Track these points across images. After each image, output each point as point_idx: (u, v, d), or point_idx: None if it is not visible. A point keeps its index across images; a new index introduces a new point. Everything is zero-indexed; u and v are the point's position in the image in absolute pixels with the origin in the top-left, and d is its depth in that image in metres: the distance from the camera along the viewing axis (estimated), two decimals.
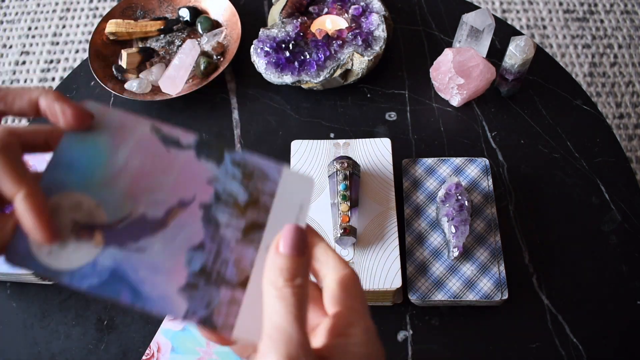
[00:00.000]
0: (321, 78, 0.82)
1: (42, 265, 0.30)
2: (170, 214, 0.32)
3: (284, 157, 0.76)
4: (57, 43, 1.70)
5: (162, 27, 0.92)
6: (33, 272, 0.37)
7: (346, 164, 0.68)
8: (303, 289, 0.29)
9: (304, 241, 0.30)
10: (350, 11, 0.87)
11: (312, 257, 0.32)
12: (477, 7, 0.88)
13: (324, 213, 0.69)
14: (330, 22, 0.87)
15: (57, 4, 1.79)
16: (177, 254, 0.31)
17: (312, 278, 0.32)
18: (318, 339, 0.30)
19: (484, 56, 0.84)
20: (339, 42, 0.83)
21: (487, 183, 0.73)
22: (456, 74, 0.78)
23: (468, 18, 0.80)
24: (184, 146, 0.34)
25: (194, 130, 0.84)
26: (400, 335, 0.66)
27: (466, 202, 0.68)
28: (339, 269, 0.31)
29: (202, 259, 0.31)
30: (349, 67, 0.83)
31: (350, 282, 0.31)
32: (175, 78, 0.84)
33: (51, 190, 0.31)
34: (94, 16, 1.76)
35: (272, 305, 0.28)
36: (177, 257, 0.31)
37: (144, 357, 0.66)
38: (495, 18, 0.84)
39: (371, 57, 0.82)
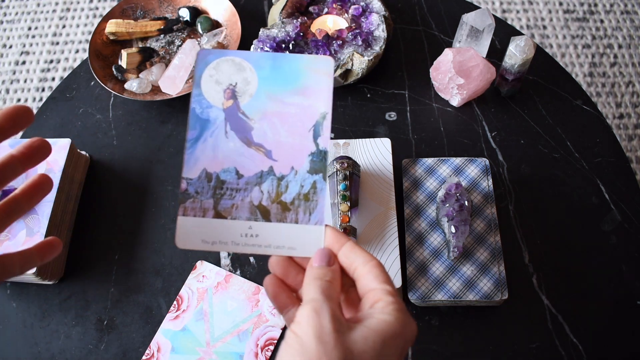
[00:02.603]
0: None
1: None
2: None
3: None
4: (57, 43, 1.70)
5: (162, 27, 0.92)
6: None
7: (346, 164, 0.68)
8: (331, 283, 0.37)
9: (330, 256, 0.38)
10: (350, 11, 0.87)
11: (340, 255, 0.39)
12: (477, 7, 0.88)
13: None
14: (330, 22, 0.87)
15: (57, 4, 1.79)
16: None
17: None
18: (353, 313, 0.38)
19: (484, 56, 0.84)
20: (339, 42, 0.83)
21: (487, 183, 0.73)
22: (456, 74, 0.78)
23: (468, 18, 0.80)
24: None
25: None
26: None
27: (466, 202, 0.68)
28: (366, 261, 0.37)
29: None
30: (349, 67, 0.83)
31: (376, 269, 0.37)
32: (175, 78, 0.84)
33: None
34: (94, 16, 1.76)
35: (307, 289, 0.36)
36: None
37: (144, 357, 0.66)
38: (495, 18, 0.84)
39: (371, 57, 0.82)
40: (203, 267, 0.71)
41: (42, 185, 0.40)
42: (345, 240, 0.39)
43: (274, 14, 0.89)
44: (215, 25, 0.92)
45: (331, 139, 0.78)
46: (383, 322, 0.34)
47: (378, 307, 0.35)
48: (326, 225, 0.40)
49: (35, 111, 1.56)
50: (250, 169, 0.41)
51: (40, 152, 0.38)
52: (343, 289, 0.39)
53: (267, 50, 0.83)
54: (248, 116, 0.41)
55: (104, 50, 0.90)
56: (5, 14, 1.78)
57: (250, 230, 0.40)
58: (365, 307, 0.36)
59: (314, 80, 0.42)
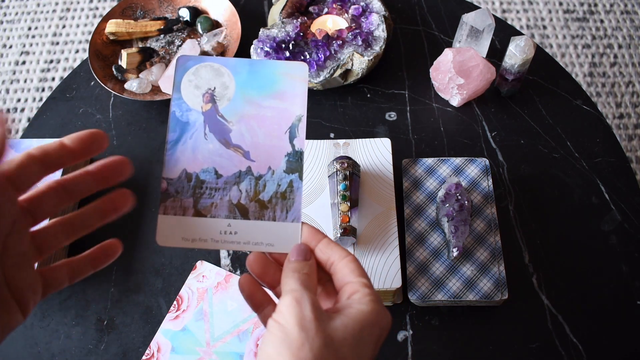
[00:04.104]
0: (321, 78, 0.82)
1: None
2: None
3: None
4: (57, 43, 1.70)
5: (162, 27, 0.92)
6: None
7: (346, 164, 0.68)
8: (309, 275, 0.38)
9: (307, 251, 0.40)
10: (350, 11, 0.87)
11: (317, 251, 0.40)
12: (477, 7, 0.88)
13: (324, 213, 0.69)
14: (330, 22, 0.87)
15: (57, 4, 1.79)
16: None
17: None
18: (329, 305, 0.39)
19: (484, 56, 0.84)
20: (339, 42, 0.83)
21: (487, 183, 0.73)
22: (456, 74, 0.78)
23: (468, 18, 0.80)
24: None
25: None
26: (400, 335, 0.66)
27: (466, 202, 0.68)
28: (342, 256, 0.39)
29: None
30: (349, 67, 0.83)
31: (352, 263, 0.39)
32: None
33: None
34: (94, 16, 1.76)
35: (286, 281, 0.38)
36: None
37: (144, 357, 0.66)
38: (495, 18, 0.84)
39: (371, 57, 0.82)
40: (203, 267, 0.71)
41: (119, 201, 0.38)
42: (321, 237, 0.41)
43: (274, 14, 0.89)
44: (215, 25, 0.92)
45: (331, 138, 0.79)
46: (361, 312, 0.36)
47: (355, 298, 0.37)
48: (303, 223, 0.41)
49: (35, 111, 1.56)
50: (229, 169, 0.43)
51: (118, 172, 0.37)
52: (319, 282, 0.41)
53: (267, 50, 0.83)
54: (226, 119, 0.43)
55: (104, 50, 0.90)
56: (5, 14, 1.78)
57: (229, 228, 0.42)
58: (343, 298, 0.38)
59: (290, 85, 0.44)
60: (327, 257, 0.40)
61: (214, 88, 0.44)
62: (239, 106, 0.43)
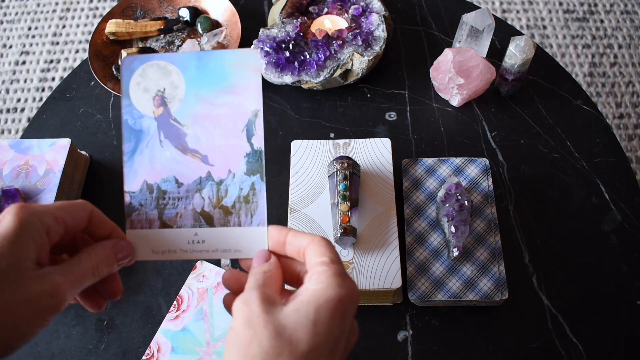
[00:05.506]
0: (321, 78, 0.82)
1: None
2: None
3: (284, 157, 0.76)
4: (57, 43, 1.70)
5: (162, 27, 0.92)
6: None
7: (346, 164, 0.68)
8: (266, 273, 0.38)
9: (267, 255, 0.40)
10: (350, 11, 0.87)
11: (286, 245, 0.40)
12: (477, 7, 0.88)
13: (324, 213, 0.69)
14: (330, 22, 0.87)
15: (57, 4, 1.79)
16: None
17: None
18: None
19: (484, 56, 0.84)
20: (339, 42, 0.83)
21: (487, 183, 0.73)
22: (456, 74, 0.78)
23: (468, 18, 0.80)
24: None
25: None
26: (400, 335, 0.66)
27: (466, 202, 0.68)
28: (309, 241, 0.39)
29: None
30: (349, 67, 0.83)
31: (315, 245, 0.38)
32: None
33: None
34: (94, 16, 1.76)
35: (247, 282, 0.38)
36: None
37: (144, 357, 0.66)
38: (495, 18, 0.84)
39: (371, 57, 0.82)
40: (203, 267, 0.71)
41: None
42: (287, 231, 0.40)
43: (274, 14, 0.89)
44: (215, 25, 0.92)
45: (331, 138, 0.79)
46: (314, 291, 0.36)
47: (313, 279, 0.37)
48: (268, 225, 0.41)
49: (35, 111, 1.56)
50: (189, 176, 0.41)
51: (111, 292, 0.42)
52: (298, 277, 0.41)
53: (267, 50, 0.83)
54: (180, 122, 0.41)
55: (104, 50, 0.90)
56: (5, 14, 1.78)
57: (197, 237, 0.41)
58: (307, 279, 0.38)
59: (242, 76, 0.41)
60: (297, 248, 0.39)
61: (164, 89, 0.41)
62: (191, 106, 0.41)
